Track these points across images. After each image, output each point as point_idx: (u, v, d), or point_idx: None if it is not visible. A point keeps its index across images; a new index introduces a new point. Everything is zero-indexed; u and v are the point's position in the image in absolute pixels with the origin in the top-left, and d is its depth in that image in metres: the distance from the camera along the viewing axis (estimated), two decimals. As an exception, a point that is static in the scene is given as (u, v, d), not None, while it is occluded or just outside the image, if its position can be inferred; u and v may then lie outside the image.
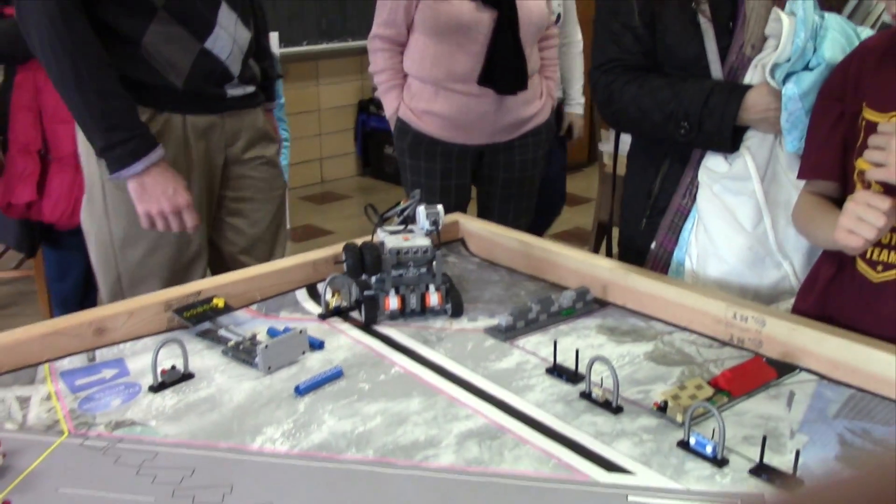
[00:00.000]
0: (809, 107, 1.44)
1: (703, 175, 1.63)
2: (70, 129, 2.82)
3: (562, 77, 3.17)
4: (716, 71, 1.58)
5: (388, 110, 2.63)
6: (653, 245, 1.72)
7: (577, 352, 1.20)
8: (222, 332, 1.31)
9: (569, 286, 1.49)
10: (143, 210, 1.72)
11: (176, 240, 1.83)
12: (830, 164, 1.39)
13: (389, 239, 1.42)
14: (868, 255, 1.33)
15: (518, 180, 2.67)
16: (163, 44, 1.75)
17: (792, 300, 1.57)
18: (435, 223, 1.45)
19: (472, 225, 1.72)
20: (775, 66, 1.46)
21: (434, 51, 2.48)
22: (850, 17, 1.52)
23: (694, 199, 1.65)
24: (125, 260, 1.83)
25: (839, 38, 1.42)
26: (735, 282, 1.61)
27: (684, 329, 1.34)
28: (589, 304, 1.43)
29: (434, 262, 1.40)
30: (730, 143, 1.56)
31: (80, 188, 2.86)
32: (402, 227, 1.47)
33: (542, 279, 1.56)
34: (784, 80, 1.46)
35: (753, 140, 1.56)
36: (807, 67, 1.45)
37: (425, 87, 2.53)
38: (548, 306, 1.37)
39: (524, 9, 2.47)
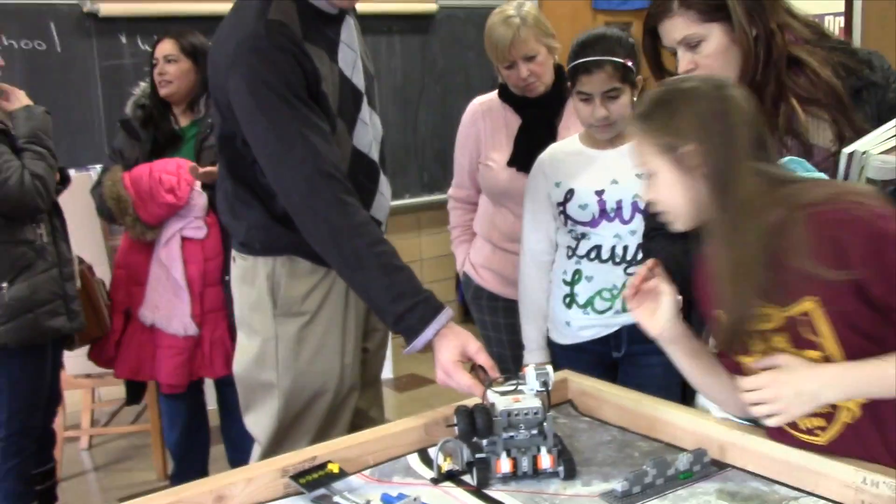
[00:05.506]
0: None
1: None
2: (142, 291, 2.97)
3: None
4: None
5: (457, 264, 2.77)
6: None
7: (698, 521, 1.16)
8: (337, 499, 1.32)
9: (683, 446, 1.45)
10: (440, 378, 1.65)
11: (336, 385, 1.86)
12: None
13: (500, 400, 1.43)
14: (796, 428, 1.34)
15: None
16: None
17: None
18: (545, 384, 1.46)
19: (580, 382, 1.70)
20: None
21: (491, 211, 2.61)
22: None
23: None
24: (288, 413, 1.86)
25: None
26: None
27: (810, 494, 1.28)
28: (707, 466, 1.38)
29: (545, 424, 1.40)
30: None
31: (149, 347, 2.99)
32: (511, 388, 1.48)
33: (656, 439, 1.52)
34: None
35: None
36: None
37: (485, 244, 2.64)
38: (664, 469, 1.34)
39: None
